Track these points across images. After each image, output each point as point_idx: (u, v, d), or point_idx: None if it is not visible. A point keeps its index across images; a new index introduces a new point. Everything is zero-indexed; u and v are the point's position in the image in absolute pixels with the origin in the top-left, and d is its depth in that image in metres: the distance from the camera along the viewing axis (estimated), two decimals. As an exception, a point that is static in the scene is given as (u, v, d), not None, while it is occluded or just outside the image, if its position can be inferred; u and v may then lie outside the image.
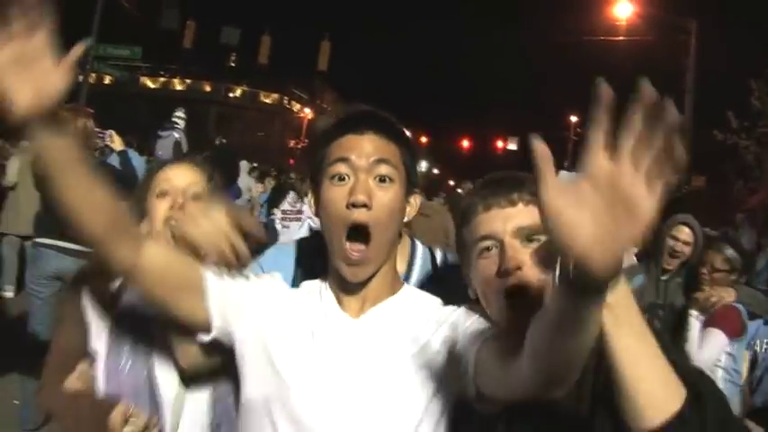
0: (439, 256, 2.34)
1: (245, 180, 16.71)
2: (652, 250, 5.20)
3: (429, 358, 1.75)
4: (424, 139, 64.88)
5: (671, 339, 4.86)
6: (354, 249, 1.76)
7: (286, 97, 65.70)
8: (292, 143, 60.26)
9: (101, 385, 2.27)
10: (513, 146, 43.37)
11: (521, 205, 1.69)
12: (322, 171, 1.83)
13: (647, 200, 1.05)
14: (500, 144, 45.43)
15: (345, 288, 1.84)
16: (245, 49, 30.55)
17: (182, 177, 2.41)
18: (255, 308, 1.87)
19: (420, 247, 2.34)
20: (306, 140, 57.17)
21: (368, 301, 1.83)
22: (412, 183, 1.88)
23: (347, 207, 1.74)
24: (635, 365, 1.39)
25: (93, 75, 26.68)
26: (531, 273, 1.61)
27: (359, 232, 1.76)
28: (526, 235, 1.66)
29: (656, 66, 25.56)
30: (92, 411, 2.21)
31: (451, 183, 39.36)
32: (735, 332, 4.52)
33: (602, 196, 1.06)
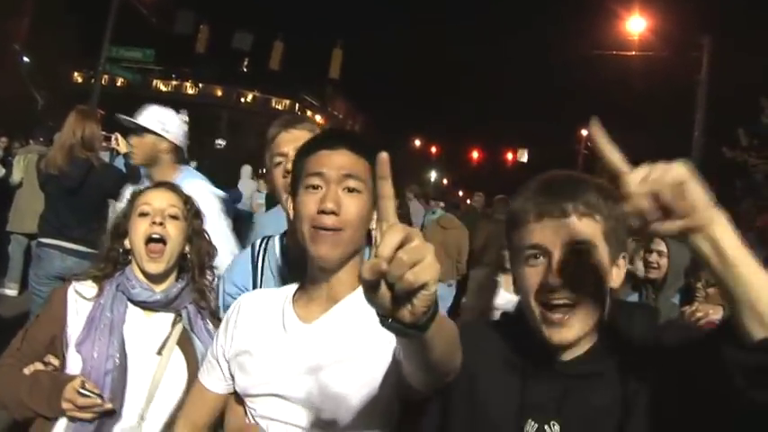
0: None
1: (248, 185, 16.68)
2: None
3: (377, 358, 1.89)
4: (434, 150, 64.98)
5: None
6: (323, 233, 1.97)
7: (298, 104, 65.86)
8: (302, 150, 60.35)
9: (70, 366, 2.61)
10: (523, 158, 43.28)
11: (574, 217, 1.75)
12: (299, 182, 2.06)
13: None
14: (510, 156, 45.34)
15: (315, 280, 2.06)
16: (257, 55, 30.54)
17: (160, 199, 2.79)
18: (232, 343, 2.17)
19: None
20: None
21: (331, 297, 2.05)
22: None
23: (318, 213, 1.96)
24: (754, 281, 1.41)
25: (106, 76, 26.77)
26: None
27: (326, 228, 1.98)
28: (575, 249, 1.74)
29: (668, 81, 25.54)
30: (51, 383, 2.52)
31: (461, 193, 39.31)
32: None
33: None
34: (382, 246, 1.22)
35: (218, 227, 3.66)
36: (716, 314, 4.48)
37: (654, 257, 5.09)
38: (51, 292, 2.85)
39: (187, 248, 2.83)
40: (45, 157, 6.09)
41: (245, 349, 2.08)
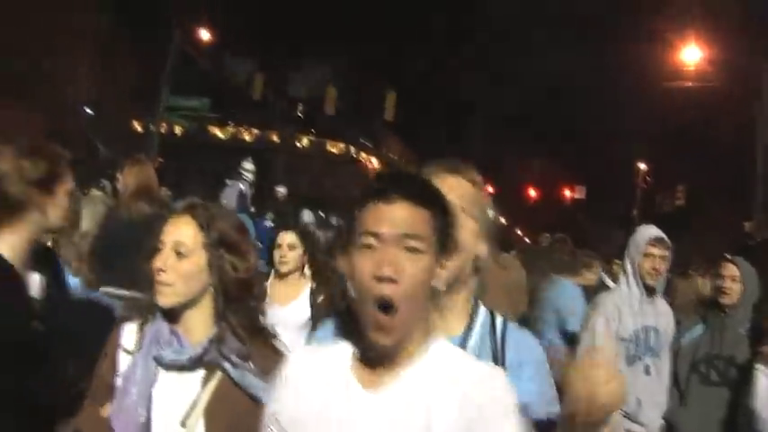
0: (499, 322, 2.27)
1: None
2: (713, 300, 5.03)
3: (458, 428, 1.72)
4: (490, 189, 64.82)
5: (734, 394, 4.63)
6: (381, 319, 1.74)
7: (353, 147, 66.44)
8: (358, 192, 60.83)
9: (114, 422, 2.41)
10: (580, 194, 42.84)
11: None
12: (352, 240, 1.82)
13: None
14: (568, 193, 44.92)
15: (370, 355, 1.83)
16: (311, 100, 31.05)
17: (172, 233, 2.47)
18: (285, 410, 1.89)
19: (482, 310, 2.29)
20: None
21: (393, 369, 1.81)
22: (446, 247, 1.85)
23: (374, 279, 1.73)
24: None
25: (164, 125, 27.39)
26: None
27: (385, 305, 1.73)
28: None
29: (725, 112, 25.12)
30: None
31: (519, 232, 39.01)
32: None
33: None
34: None
35: None
36: None
37: (727, 283, 4.82)
38: (109, 337, 2.57)
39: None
40: (118, 206, 6.19)
41: (298, 418, 1.83)
